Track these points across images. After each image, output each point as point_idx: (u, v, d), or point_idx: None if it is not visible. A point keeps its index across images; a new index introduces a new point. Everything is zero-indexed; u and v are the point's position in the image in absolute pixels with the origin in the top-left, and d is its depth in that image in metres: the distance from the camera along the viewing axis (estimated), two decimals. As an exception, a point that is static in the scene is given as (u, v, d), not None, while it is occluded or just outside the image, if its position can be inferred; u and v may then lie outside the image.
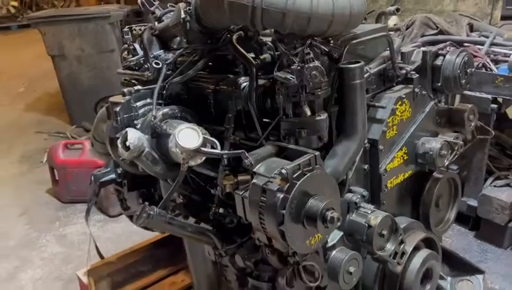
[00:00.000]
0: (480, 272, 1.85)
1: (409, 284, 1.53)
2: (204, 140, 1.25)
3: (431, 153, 1.64)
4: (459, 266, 1.88)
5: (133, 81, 1.82)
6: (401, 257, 1.44)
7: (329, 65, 1.42)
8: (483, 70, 2.83)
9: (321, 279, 1.28)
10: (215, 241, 1.62)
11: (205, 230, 1.61)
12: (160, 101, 1.66)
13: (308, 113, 1.34)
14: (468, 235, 3.06)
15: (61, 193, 3.71)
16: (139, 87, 1.61)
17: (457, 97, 2.74)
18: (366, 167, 1.57)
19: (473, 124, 1.83)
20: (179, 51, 1.61)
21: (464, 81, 1.69)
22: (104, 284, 2.43)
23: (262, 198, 1.20)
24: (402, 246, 1.42)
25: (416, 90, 1.65)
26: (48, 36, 4.77)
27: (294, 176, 1.18)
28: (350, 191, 1.50)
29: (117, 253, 2.63)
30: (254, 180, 1.23)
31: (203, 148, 1.26)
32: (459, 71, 1.66)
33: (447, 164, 1.69)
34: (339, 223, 1.18)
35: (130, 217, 2.53)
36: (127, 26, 1.90)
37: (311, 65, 1.23)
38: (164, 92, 1.66)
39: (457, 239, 3.02)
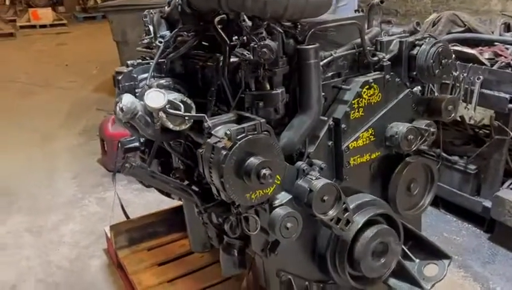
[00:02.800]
0: (447, 257, 1.91)
1: (358, 254, 1.66)
2: (169, 102, 1.48)
3: (396, 136, 1.74)
4: (428, 250, 1.95)
5: (147, 57, 2.11)
6: (346, 225, 1.57)
7: (294, 47, 1.59)
8: (509, 70, 2.79)
9: (260, 229, 1.47)
10: (196, 199, 1.86)
11: (187, 187, 1.85)
12: (161, 75, 1.92)
13: (268, 87, 1.53)
14: (481, 236, 3.02)
15: (108, 162, 4.15)
16: (140, 60, 1.88)
17: (476, 94, 2.75)
18: (330, 143, 1.71)
19: (452, 114, 1.89)
20: (174, 31, 1.86)
21: (437, 71, 1.77)
22: (122, 238, 2.77)
23: (212, 155, 1.42)
24: (347, 214, 1.56)
25: (388, 77, 1.76)
26: (114, 23, 5.28)
27: (238, 137, 1.38)
28: (311, 163, 1.67)
29: (139, 216, 2.97)
30: (208, 140, 1.45)
31: (169, 110, 1.50)
32: (432, 61, 1.74)
33: (414, 148, 1.77)
34: (271, 180, 1.36)
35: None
36: (146, 10, 2.18)
37: (262, 43, 1.42)
38: (164, 66, 1.92)
39: (469, 239, 3.00)
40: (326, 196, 1.51)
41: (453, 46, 2.92)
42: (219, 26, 1.69)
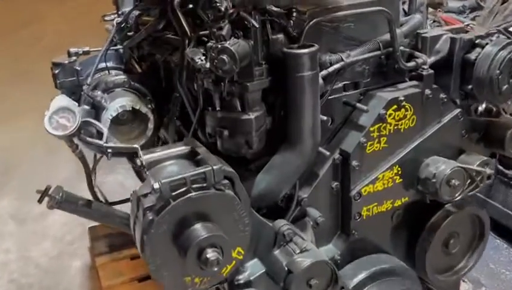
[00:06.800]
0: None
1: None
2: (83, 124, 1.00)
3: (434, 180, 1.19)
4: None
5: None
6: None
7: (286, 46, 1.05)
8: None
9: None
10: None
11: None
12: (120, 66, 1.45)
13: (237, 107, 1.01)
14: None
15: (114, 141, 3.79)
16: (88, 48, 1.39)
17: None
18: (334, 185, 1.19)
19: (521, 147, 1.31)
20: (129, 10, 1.35)
21: (505, 87, 1.17)
22: (101, 243, 2.39)
23: (138, 211, 0.94)
24: (346, 303, 1.06)
25: (428, 91, 1.19)
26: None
27: (173, 193, 0.88)
28: (305, 212, 1.16)
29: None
30: (136, 188, 0.96)
31: (88, 138, 1.02)
32: (498, 72, 1.15)
33: (459, 197, 1.22)
34: (215, 269, 0.87)
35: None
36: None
37: (219, 46, 0.88)
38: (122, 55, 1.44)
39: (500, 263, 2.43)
40: (314, 280, 1.00)
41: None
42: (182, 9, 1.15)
